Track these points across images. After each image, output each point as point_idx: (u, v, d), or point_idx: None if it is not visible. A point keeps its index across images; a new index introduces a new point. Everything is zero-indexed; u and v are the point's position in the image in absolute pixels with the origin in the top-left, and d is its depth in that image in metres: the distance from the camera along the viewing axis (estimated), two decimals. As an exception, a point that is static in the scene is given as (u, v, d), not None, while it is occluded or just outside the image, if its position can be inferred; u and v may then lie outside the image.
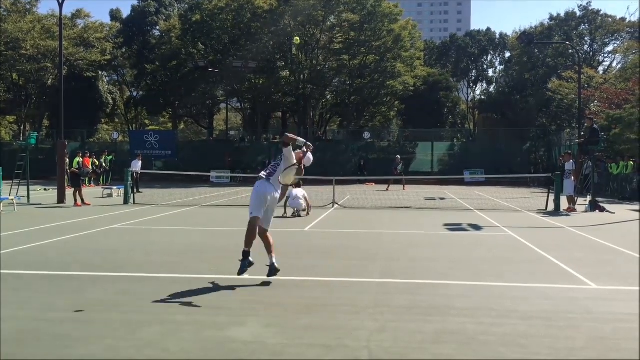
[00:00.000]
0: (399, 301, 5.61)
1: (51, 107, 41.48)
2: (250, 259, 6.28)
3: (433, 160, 34.75)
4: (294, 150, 6.51)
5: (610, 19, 42.35)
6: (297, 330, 4.60)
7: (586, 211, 15.34)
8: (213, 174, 30.14)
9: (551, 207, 15.54)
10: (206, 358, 3.99)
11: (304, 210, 13.88)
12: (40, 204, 16.67)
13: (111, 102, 46.97)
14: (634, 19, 43.27)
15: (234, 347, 4.19)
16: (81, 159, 22.00)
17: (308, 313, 5.13)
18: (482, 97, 54.66)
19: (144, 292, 5.86)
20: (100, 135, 49.97)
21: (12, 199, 15.31)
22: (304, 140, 6.64)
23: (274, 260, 6.35)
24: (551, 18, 44.84)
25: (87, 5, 59.13)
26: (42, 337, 4.41)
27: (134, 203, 16.94)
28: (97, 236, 10.18)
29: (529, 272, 7.10)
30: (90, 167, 23.07)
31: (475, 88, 56.52)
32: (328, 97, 42.39)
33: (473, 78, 55.55)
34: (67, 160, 18.73)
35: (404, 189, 25.23)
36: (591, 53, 43.19)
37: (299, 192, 13.71)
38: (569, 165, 16.20)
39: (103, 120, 50.88)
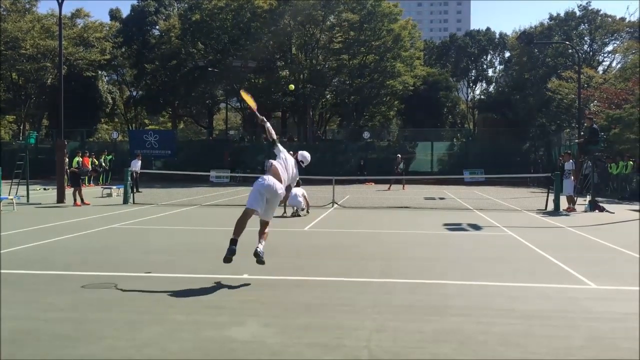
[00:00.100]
0: (399, 301, 5.61)
1: (51, 107, 41.46)
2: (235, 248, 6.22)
3: (432, 160, 34.76)
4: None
5: (610, 19, 42.38)
6: (296, 330, 4.61)
7: (586, 211, 15.35)
8: (213, 173, 30.12)
9: (551, 207, 15.55)
10: (206, 358, 4.00)
11: (302, 209, 13.90)
12: (40, 204, 16.67)
13: (111, 101, 46.94)
14: (634, 18, 43.33)
15: (234, 347, 4.19)
16: (81, 159, 22.11)
17: (307, 313, 5.14)
18: (482, 96, 54.70)
19: (144, 292, 5.86)
20: (99, 135, 49.95)
21: (12, 199, 15.31)
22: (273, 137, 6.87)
23: (260, 247, 6.35)
24: (551, 18, 44.86)
25: (87, 4, 59.17)
26: (42, 337, 4.41)
27: (134, 203, 16.94)
28: (96, 236, 10.18)
29: (528, 272, 7.11)
30: (90, 166, 23.06)
31: (475, 88, 56.58)
32: (328, 96, 42.39)
33: (473, 78, 55.58)
34: (67, 159, 18.73)
35: (403, 188, 25.24)
36: (591, 53, 43.21)
37: (298, 190, 13.72)
38: (569, 165, 16.20)
39: (102, 120, 50.84)
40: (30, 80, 40.30)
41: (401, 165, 26.46)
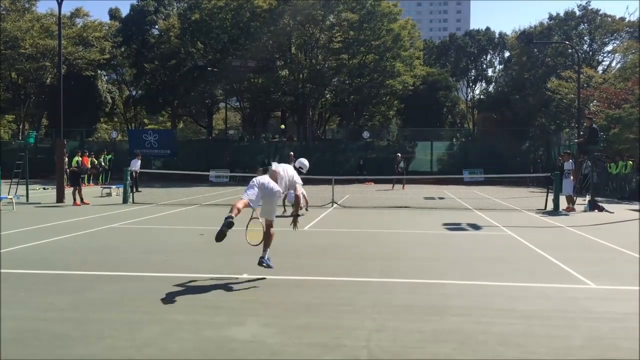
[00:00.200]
0: (398, 301, 5.62)
1: (50, 106, 41.39)
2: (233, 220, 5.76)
3: (432, 159, 34.77)
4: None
5: (609, 19, 42.38)
6: (296, 330, 4.61)
7: (585, 211, 15.35)
8: (212, 173, 30.12)
9: (550, 206, 15.56)
10: (205, 357, 4.00)
11: (301, 208, 13.86)
12: (39, 203, 16.66)
13: (110, 101, 46.91)
14: (634, 18, 43.40)
15: (234, 347, 4.19)
16: (80, 158, 22.11)
17: (307, 312, 5.14)
18: (482, 96, 54.66)
19: (144, 292, 5.86)
20: (99, 135, 49.90)
21: (11, 198, 15.31)
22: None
23: (265, 256, 6.28)
24: (550, 17, 44.86)
25: (86, 4, 59.04)
26: (42, 337, 4.41)
27: (133, 202, 16.94)
28: (96, 235, 10.17)
29: (528, 272, 7.11)
30: (89, 166, 23.06)
31: (475, 87, 56.55)
32: (327, 96, 42.38)
33: (472, 77, 55.54)
34: (66, 159, 18.72)
35: (403, 188, 25.24)
36: (590, 53, 43.21)
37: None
38: (568, 164, 16.20)
39: (102, 120, 50.80)
40: (30, 80, 40.27)
41: (402, 164, 26.44)
